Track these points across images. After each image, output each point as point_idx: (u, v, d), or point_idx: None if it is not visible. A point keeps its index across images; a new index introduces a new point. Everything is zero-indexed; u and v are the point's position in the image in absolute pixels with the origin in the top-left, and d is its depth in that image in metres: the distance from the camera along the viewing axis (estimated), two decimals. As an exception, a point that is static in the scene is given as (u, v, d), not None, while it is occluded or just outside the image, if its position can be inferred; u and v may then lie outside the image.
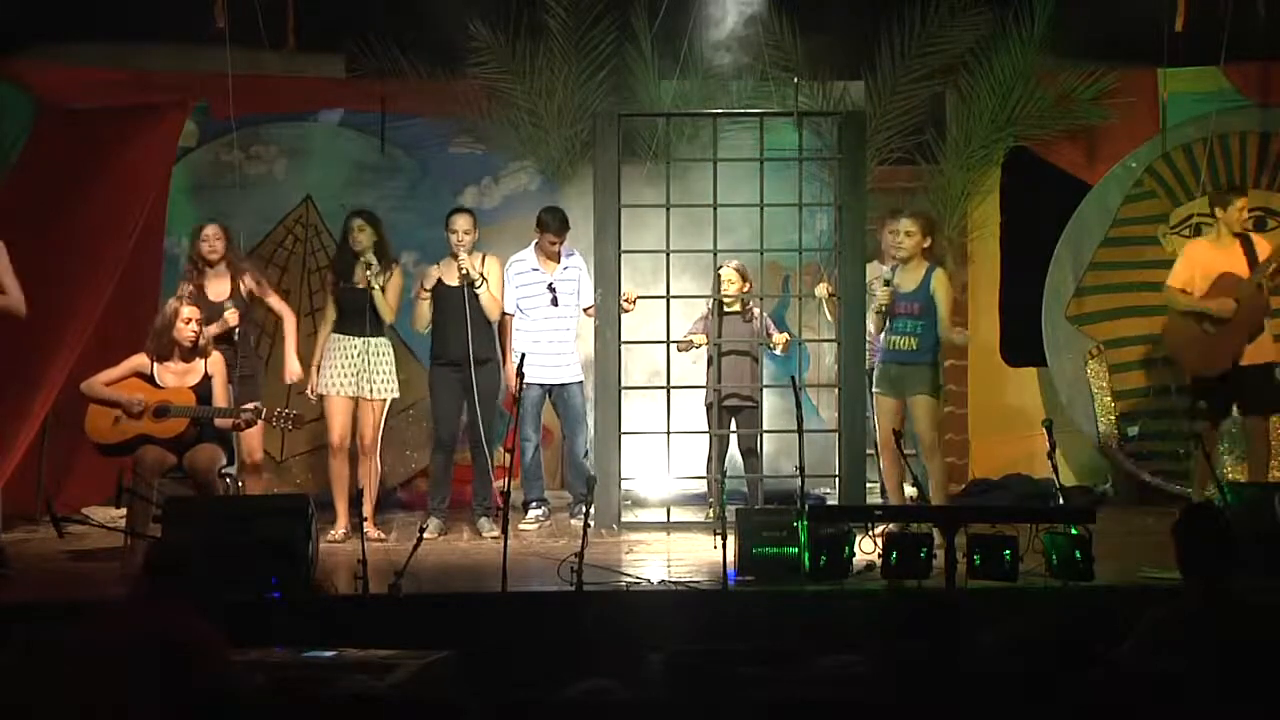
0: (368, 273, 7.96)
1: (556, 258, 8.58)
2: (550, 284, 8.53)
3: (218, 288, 8.02)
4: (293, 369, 8.16)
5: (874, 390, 8.03)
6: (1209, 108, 9.65)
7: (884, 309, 7.87)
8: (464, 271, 8.11)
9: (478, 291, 8.14)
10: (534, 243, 8.60)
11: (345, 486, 8.06)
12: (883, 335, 7.95)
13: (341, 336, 8.11)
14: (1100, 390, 9.72)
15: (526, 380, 8.32)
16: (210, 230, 8.04)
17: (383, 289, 8.01)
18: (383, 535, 8.01)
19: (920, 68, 9.54)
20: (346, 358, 8.08)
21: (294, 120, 9.69)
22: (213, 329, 7.77)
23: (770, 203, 8.53)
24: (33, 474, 8.58)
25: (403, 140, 9.71)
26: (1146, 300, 9.67)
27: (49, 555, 7.60)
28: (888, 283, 7.87)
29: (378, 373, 8.09)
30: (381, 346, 8.13)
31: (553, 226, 8.50)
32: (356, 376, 8.06)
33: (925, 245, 7.88)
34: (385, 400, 8.16)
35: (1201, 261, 8.31)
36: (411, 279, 8.56)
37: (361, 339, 8.07)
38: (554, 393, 8.63)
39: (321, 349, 8.18)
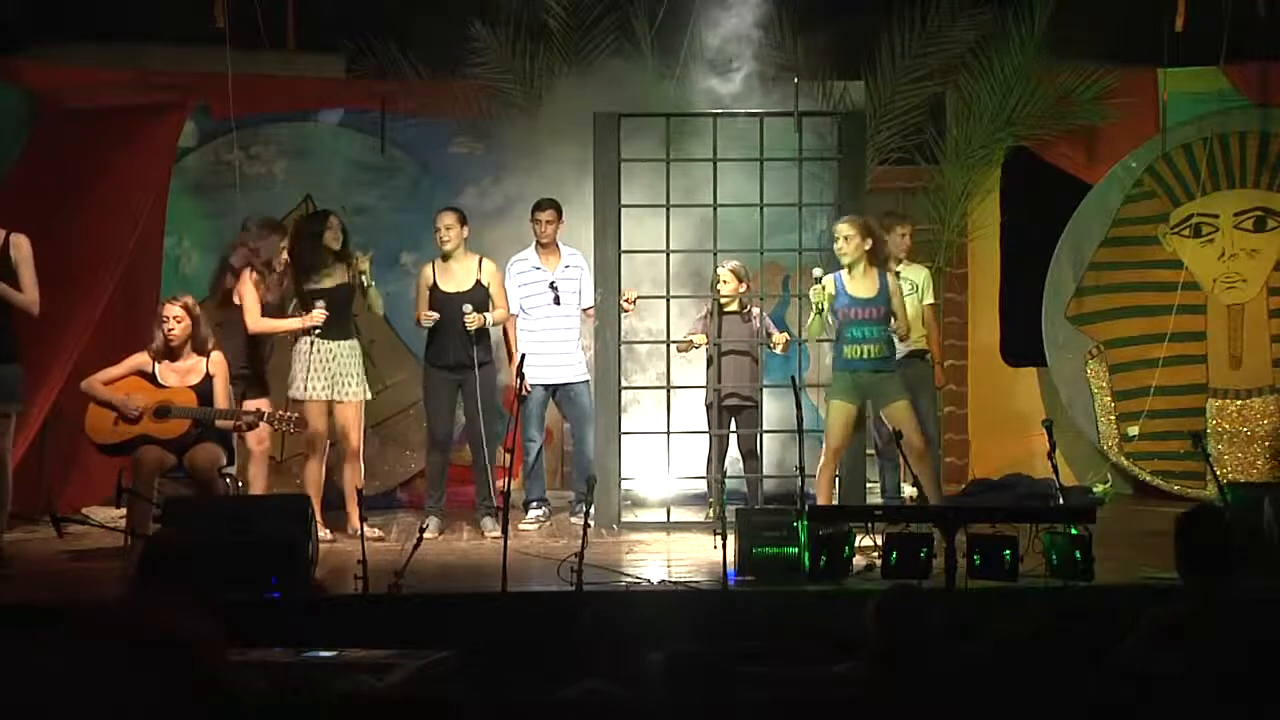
0: (364, 279, 7.96)
1: (555, 248, 8.56)
2: (552, 282, 8.52)
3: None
4: None
5: (830, 398, 7.78)
6: (1209, 108, 9.67)
7: (821, 308, 7.62)
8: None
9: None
10: (534, 241, 8.59)
11: (319, 489, 8.00)
12: (840, 344, 7.71)
13: (315, 340, 7.95)
14: (1100, 390, 9.73)
15: (530, 381, 8.33)
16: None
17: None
18: (377, 534, 7.95)
19: (920, 68, 9.55)
20: (322, 361, 7.96)
21: (294, 120, 9.69)
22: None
23: (770, 203, 8.52)
24: (33, 474, 8.58)
25: (403, 140, 9.71)
26: (1146, 300, 9.71)
27: (49, 555, 7.60)
28: (818, 279, 7.66)
29: (352, 375, 8.02)
30: (354, 348, 8.07)
31: (540, 204, 8.49)
32: (332, 380, 7.97)
33: (866, 248, 7.66)
34: (361, 402, 8.11)
35: None
36: (412, 278, 8.57)
37: (335, 342, 7.98)
38: (558, 392, 8.63)
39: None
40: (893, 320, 7.75)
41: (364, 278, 7.93)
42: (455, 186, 9.60)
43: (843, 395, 7.70)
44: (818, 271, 7.77)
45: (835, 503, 7.76)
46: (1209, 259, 9.72)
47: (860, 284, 7.70)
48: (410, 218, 9.51)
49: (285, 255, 8.02)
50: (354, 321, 8.16)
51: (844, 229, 7.69)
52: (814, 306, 7.67)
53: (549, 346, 8.48)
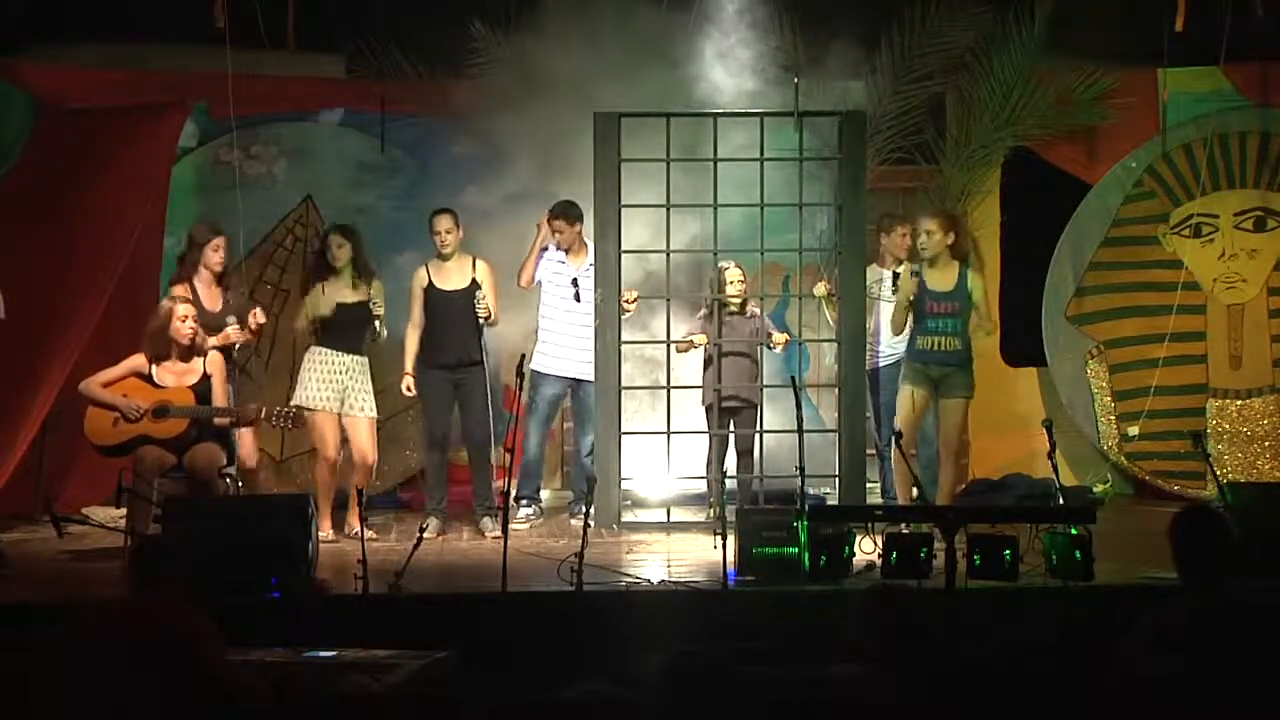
0: (374, 310, 8.03)
1: (582, 246, 8.58)
2: (574, 279, 8.55)
3: (213, 297, 8.02)
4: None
5: (903, 384, 7.93)
6: (1209, 108, 9.67)
7: (912, 300, 7.80)
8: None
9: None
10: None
11: (330, 492, 8.08)
12: (915, 335, 7.86)
13: (325, 351, 8.07)
14: (1100, 390, 9.73)
15: (544, 373, 8.35)
16: (221, 240, 8.04)
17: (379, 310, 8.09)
18: (373, 535, 7.93)
19: (920, 68, 9.56)
20: (332, 373, 8.05)
21: (294, 120, 9.70)
22: (215, 340, 7.77)
23: (770, 203, 8.52)
24: (33, 474, 8.58)
25: (403, 140, 9.72)
26: (1146, 300, 9.70)
27: (49, 555, 7.60)
28: (915, 273, 7.81)
29: (361, 391, 8.09)
30: (362, 365, 8.13)
31: (555, 211, 8.52)
32: (342, 392, 8.05)
33: (949, 243, 7.88)
34: (372, 419, 8.16)
35: None
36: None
37: (347, 356, 8.07)
38: (574, 388, 8.64)
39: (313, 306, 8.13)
40: (974, 315, 7.87)
41: (374, 306, 8.05)
42: (455, 186, 9.55)
43: (913, 381, 7.87)
44: (905, 266, 7.91)
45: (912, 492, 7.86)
46: (1209, 259, 9.72)
47: (939, 277, 7.86)
48: (410, 218, 9.50)
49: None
50: (366, 340, 8.17)
51: (928, 224, 7.87)
52: (905, 299, 7.81)
53: (567, 340, 8.51)
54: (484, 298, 8.14)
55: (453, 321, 8.16)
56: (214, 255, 7.99)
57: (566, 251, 8.57)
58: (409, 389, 8.27)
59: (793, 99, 8.68)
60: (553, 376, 8.54)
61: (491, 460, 8.31)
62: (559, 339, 8.51)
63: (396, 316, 8.60)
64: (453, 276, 8.28)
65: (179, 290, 7.85)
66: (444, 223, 8.25)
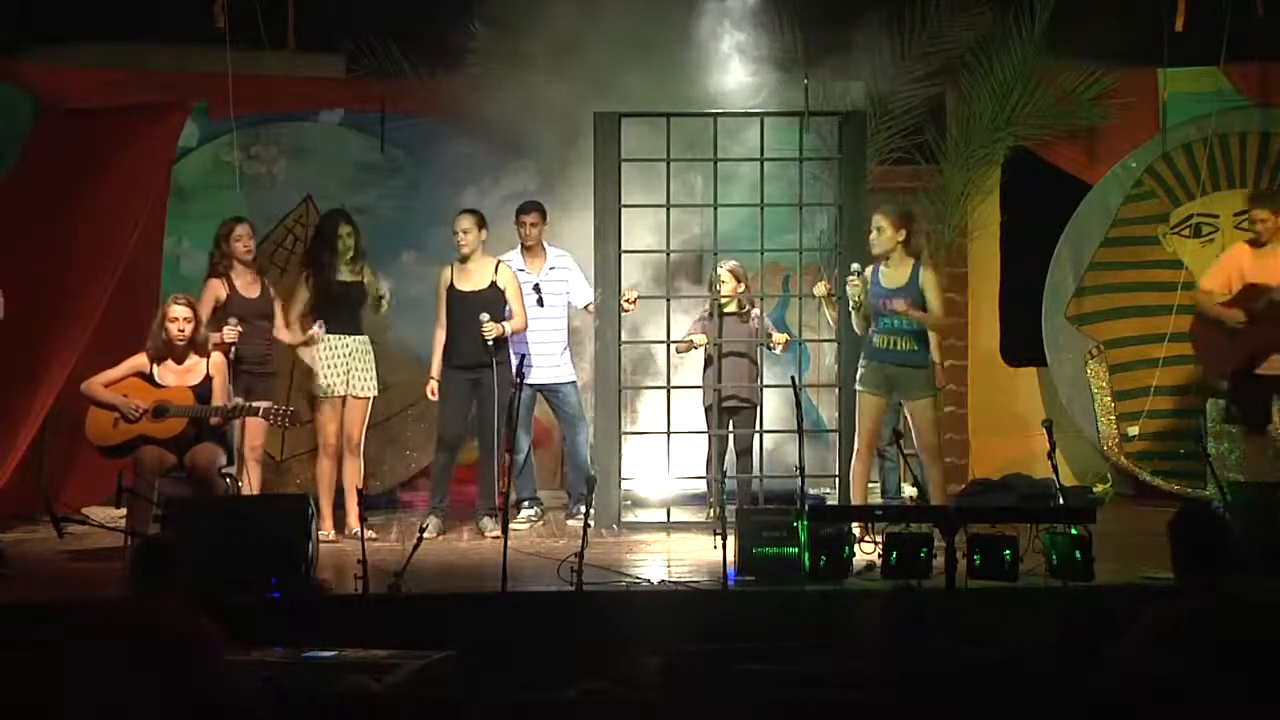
0: (381, 299, 8.16)
1: (540, 250, 8.57)
2: (535, 284, 8.53)
3: (249, 285, 8.07)
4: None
5: (859, 388, 7.70)
6: (1209, 108, 9.67)
7: (860, 305, 7.60)
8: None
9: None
10: (520, 243, 8.60)
11: (331, 486, 8.10)
12: (872, 333, 7.67)
13: (328, 336, 8.08)
14: (1100, 390, 9.73)
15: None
16: (244, 229, 8.08)
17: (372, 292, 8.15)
18: (373, 534, 7.94)
19: (920, 68, 9.55)
20: (337, 357, 8.09)
21: (294, 120, 9.70)
22: (229, 334, 7.77)
23: (770, 203, 8.52)
24: (33, 474, 8.58)
25: (403, 140, 9.72)
26: (1146, 300, 9.70)
27: (49, 555, 7.60)
28: (858, 273, 7.60)
29: (363, 371, 8.13)
30: (364, 344, 8.17)
31: (522, 208, 8.54)
32: (347, 375, 8.09)
33: (900, 239, 7.62)
34: (369, 398, 8.18)
35: (1241, 266, 8.36)
36: (413, 278, 8.57)
37: (350, 337, 8.10)
38: (547, 394, 8.63)
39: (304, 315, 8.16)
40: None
41: (373, 288, 8.14)
42: (456, 186, 9.59)
43: (871, 387, 7.65)
44: (856, 266, 7.72)
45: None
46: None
47: (892, 275, 7.67)
48: (410, 217, 9.51)
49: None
50: (364, 319, 8.21)
51: (877, 220, 7.70)
52: (851, 301, 7.64)
53: (534, 349, 8.47)
54: (488, 318, 8.06)
55: (470, 323, 8.13)
56: (239, 244, 8.01)
57: (528, 250, 8.54)
58: (433, 393, 8.26)
59: (794, 98, 8.68)
60: (525, 385, 8.48)
61: (496, 461, 8.31)
62: (521, 348, 8.40)
63: (402, 317, 8.62)
64: (473, 278, 8.26)
65: (215, 284, 7.91)
66: (461, 222, 8.26)
